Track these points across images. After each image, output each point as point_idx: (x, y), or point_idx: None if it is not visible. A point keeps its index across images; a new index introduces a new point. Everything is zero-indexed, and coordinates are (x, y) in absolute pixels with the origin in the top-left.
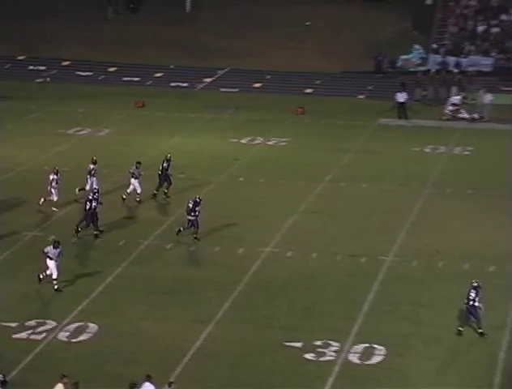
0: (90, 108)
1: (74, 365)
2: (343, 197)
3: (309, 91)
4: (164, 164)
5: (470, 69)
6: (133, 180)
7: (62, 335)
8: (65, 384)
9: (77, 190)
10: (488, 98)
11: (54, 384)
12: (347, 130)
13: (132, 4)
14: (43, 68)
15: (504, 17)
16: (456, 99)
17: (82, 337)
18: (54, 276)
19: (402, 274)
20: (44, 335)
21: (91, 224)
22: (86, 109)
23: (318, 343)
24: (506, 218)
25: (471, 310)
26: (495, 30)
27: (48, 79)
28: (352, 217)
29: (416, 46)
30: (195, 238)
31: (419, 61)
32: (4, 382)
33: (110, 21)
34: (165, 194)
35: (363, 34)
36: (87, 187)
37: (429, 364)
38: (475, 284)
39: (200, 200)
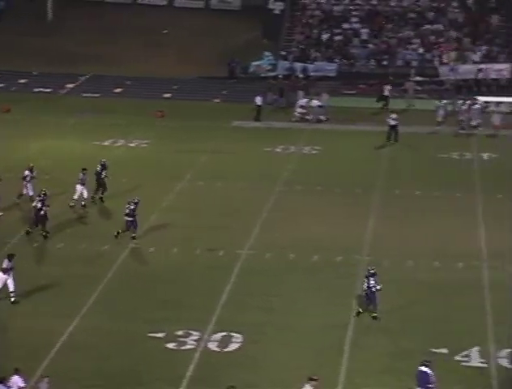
0: None
1: None
2: (201, 195)
3: (167, 95)
4: (98, 169)
5: (316, 74)
6: (78, 186)
7: None
8: None
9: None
10: (315, 102)
11: None
12: (204, 131)
13: None
14: None
15: (346, 25)
16: (303, 102)
17: None
18: (11, 289)
19: (256, 266)
20: None
21: (40, 226)
22: None
23: (180, 333)
24: (353, 212)
25: (370, 296)
26: (338, 38)
27: None
28: (210, 214)
29: (267, 53)
30: (133, 238)
31: (269, 67)
32: None
33: None
34: (101, 198)
35: (217, 42)
36: (24, 191)
37: (282, 350)
38: (373, 271)
39: (138, 201)
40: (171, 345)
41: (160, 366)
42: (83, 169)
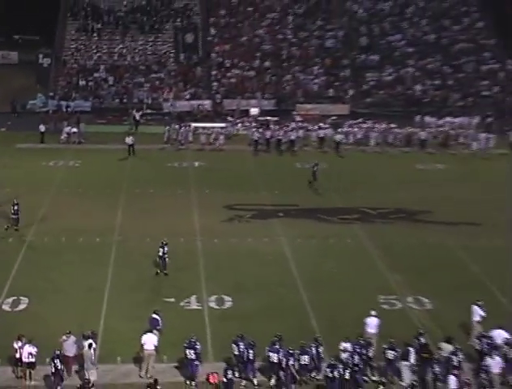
0: None
1: None
2: None
3: None
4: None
5: (77, 109)
6: None
7: None
8: None
9: None
10: (74, 129)
11: None
12: None
13: None
14: None
15: (96, 74)
16: (67, 129)
17: None
18: None
19: (38, 248)
20: None
21: None
22: None
23: None
24: (106, 207)
25: (163, 260)
26: (91, 83)
27: None
28: None
29: (39, 94)
30: (16, 230)
31: (42, 105)
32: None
33: None
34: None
35: (1, 87)
36: None
37: (58, 307)
38: (166, 243)
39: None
40: None
41: None
42: None
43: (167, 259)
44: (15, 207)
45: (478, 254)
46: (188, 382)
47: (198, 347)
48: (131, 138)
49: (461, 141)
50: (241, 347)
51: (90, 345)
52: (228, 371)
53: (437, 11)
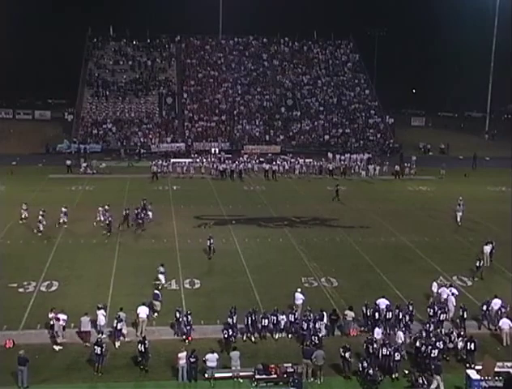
0: None
1: None
2: (32, 213)
3: (14, 163)
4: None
5: (91, 150)
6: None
7: None
8: None
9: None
10: (85, 164)
11: None
12: (34, 180)
13: None
14: None
15: (104, 126)
16: (84, 164)
17: None
18: None
19: (65, 246)
20: None
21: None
22: None
23: (25, 283)
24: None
25: (212, 248)
26: (101, 132)
27: None
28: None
29: (65, 140)
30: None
31: (67, 147)
32: None
33: None
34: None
35: (39, 135)
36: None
37: (79, 287)
38: (211, 236)
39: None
40: (21, 290)
41: (13, 302)
42: (145, 199)
43: (212, 247)
44: (138, 212)
45: (368, 248)
46: (182, 340)
47: (189, 317)
48: (155, 168)
49: (356, 170)
50: (234, 317)
51: (121, 309)
52: (224, 331)
53: (338, 83)
